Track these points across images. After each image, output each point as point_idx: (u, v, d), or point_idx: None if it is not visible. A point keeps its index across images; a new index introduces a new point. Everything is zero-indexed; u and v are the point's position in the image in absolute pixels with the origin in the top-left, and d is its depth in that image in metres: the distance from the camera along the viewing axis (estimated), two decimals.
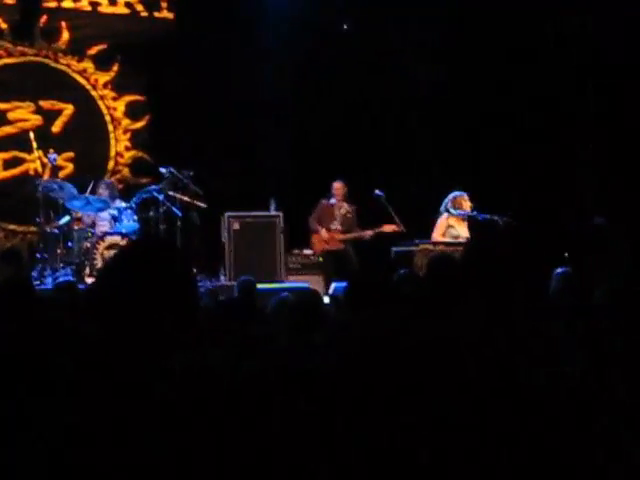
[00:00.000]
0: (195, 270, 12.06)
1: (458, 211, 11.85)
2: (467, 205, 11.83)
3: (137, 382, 2.24)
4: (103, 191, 12.32)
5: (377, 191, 12.26)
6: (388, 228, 12.32)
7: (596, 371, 2.73)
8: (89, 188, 12.18)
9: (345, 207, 12.78)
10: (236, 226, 12.49)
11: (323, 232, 12.70)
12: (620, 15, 13.17)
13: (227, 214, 12.66)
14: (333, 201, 12.80)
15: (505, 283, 2.80)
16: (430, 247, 11.39)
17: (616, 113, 13.47)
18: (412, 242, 11.61)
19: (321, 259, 12.81)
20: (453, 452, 2.32)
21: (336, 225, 12.74)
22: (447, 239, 11.73)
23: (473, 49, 14.03)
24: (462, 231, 11.85)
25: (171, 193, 12.24)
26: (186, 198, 12.28)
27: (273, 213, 12.81)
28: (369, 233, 12.55)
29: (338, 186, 12.76)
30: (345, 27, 14.76)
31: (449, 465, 2.32)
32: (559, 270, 7.20)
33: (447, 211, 11.87)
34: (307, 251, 13.00)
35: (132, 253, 2.55)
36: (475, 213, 11.82)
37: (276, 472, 2.24)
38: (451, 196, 11.89)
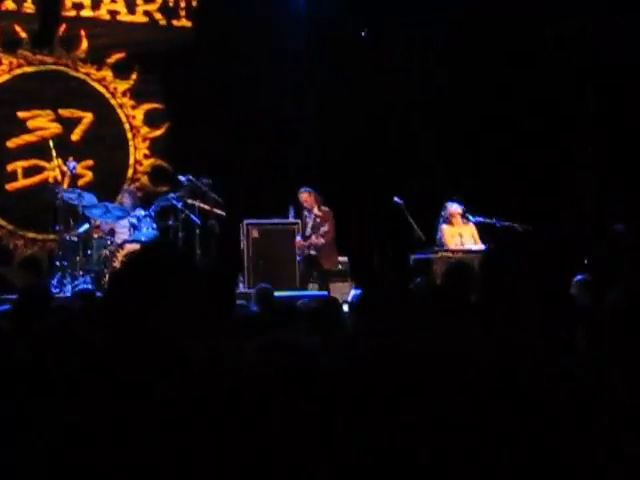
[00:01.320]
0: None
1: (477, 218, 11.88)
2: (458, 213, 11.87)
3: (137, 382, 2.24)
4: (126, 200, 12.37)
5: (396, 199, 12.23)
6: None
7: (596, 371, 2.72)
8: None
9: (315, 212, 12.52)
10: (255, 234, 12.48)
11: (296, 240, 12.56)
12: (620, 18, 13.15)
13: (246, 222, 12.65)
14: (303, 210, 12.66)
15: (523, 290, 2.79)
16: (449, 255, 11.37)
17: (616, 115, 13.42)
18: (431, 250, 11.60)
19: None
20: (453, 452, 2.32)
21: (308, 232, 12.56)
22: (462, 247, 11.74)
23: (474, 52, 14.04)
24: (467, 237, 11.86)
25: (190, 201, 12.24)
26: (205, 206, 12.28)
27: (292, 220, 12.78)
28: (315, 241, 12.48)
29: (303, 197, 12.56)
30: (363, 34, 14.76)
31: (449, 465, 2.31)
32: (579, 277, 7.18)
33: (446, 222, 11.93)
34: None
35: (141, 260, 2.55)
36: (495, 220, 11.83)
37: (276, 472, 2.23)
38: (447, 207, 11.94)
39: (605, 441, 2.37)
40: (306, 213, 12.62)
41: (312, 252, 12.52)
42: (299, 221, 12.73)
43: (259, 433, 2.25)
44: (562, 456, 2.32)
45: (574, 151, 13.83)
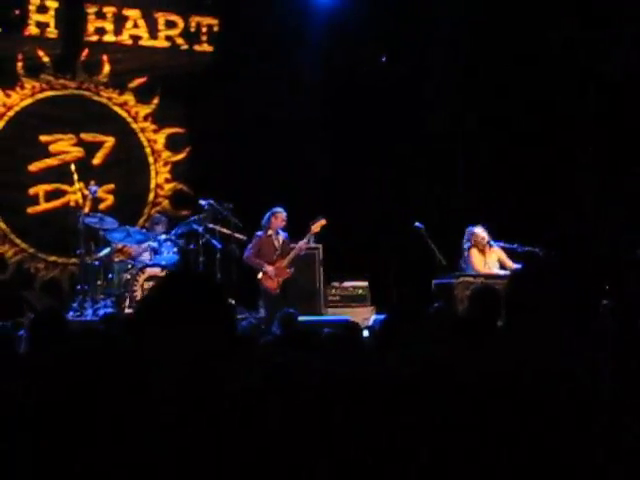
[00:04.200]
0: (233, 302, 12.13)
1: (498, 243, 11.82)
2: (484, 238, 11.77)
3: (136, 381, 2.23)
4: (159, 228, 12.33)
5: (417, 223, 12.19)
6: (316, 227, 11.85)
7: (599, 372, 2.71)
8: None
9: (281, 235, 11.97)
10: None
11: (269, 269, 11.80)
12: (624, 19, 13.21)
13: None
14: (270, 232, 11.91)
15: (549, 315, 2.78)
16: (470, 279, 11.31)
17: (616, 115, 13.37)
18: (452, 274, 11.55)
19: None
20: (453, 452, 2.31)
21: (277, 255, 11.87)
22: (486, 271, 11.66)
23: (475, 52, 14.09)
24: (491, 261, 11.79)
25: (211, 225, 12.25)
26: (226, 230, 12.28)
27: (312, 245, 12.70)
28: (302, 245, 11.89)
29: (284, 217, 11.91)
30: (384, 59, 14.82)
31: (449, 465, 2.30)
32: (603, 302, 7.15)
33: (473, 246, 11.83)
34: (347, 283, 12.94)
35: (168, 286, 2.56)
36: (516, 246, 11.77)
37: (275, 471, 2.23)
38: (469, 232, 11.85)
39: (605, 441, 2.36)
40: (270, 234, 11.92)
41: (290, 274, 12.02)
42: (320, 246, 12.70)
43: (257, 432, 2.25)
44: (562, 456, 2.31)
45: (574, 151, 13.80)
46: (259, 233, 11.95)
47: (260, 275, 11.89)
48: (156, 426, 2.18)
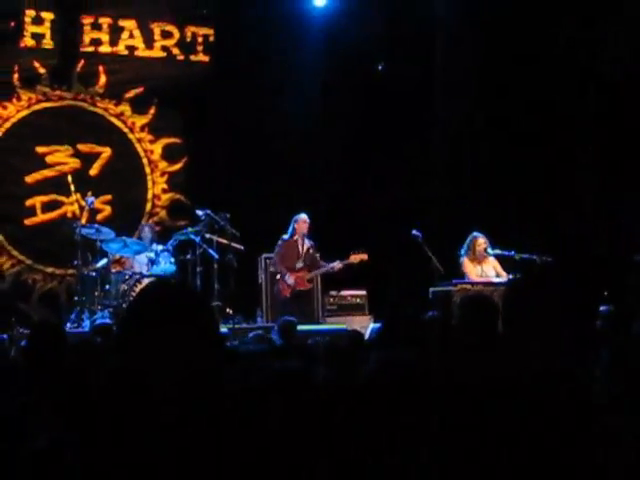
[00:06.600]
0: (229, 312, 12.11)
1: (495, 250, 11.80)
2: (483, 246, 11.74)
3: (137, 383, 2.23)
4: (145, 235, 12.42)
5: (415, 231, 12.16)
6: (355, 258, 11.96)
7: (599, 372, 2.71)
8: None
9: (307, 243, 12.13)
10: (273, 268, 12.46)
11: (291, 279, 11.96)
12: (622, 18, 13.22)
13: (264, 256, 12.67)
14: (296, 237, 12.10)
15: (547, 321, 2.77)
16: (468, 287, 11.30)
17: (616, 115, 13.36)
18: (450, 282, 11.53)
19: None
20: (453, 452, 2.31)
21: (300, 264, 12.07)
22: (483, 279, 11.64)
23: (475, 52, 14.10)
24: (488, 270, 11.76)
25: (208, 235, 12.25)
26: (223, 240, 12.27)
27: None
28: (337, 266, 12.03)
29: (306, 220, 12.07)
30: (380, 68, 14.83)
31: (449, 465, 2.30)
32: (602, 308, 7.15)
33: (468, 254, 11.80)
34: (345, 292, 12.92)
35: (145, 298, 2.56)
36: (513, 253, 11.74)
37: (275, 471, 2.24)
38: (470, 237, 11.83)
39: (605, 441, 2.35)
40: (296, 239, 12.11)
41: (310, 286, 12.25)
42: (318, 255, 12.66)
43: (258, 432, 2.26)
44: (562, 456, 2.31)
45: (574, 151, 13.79)
46: (285, 237, 12.09)
47: (278, 277, 12.05)
48: (156, 426, 2.17)
